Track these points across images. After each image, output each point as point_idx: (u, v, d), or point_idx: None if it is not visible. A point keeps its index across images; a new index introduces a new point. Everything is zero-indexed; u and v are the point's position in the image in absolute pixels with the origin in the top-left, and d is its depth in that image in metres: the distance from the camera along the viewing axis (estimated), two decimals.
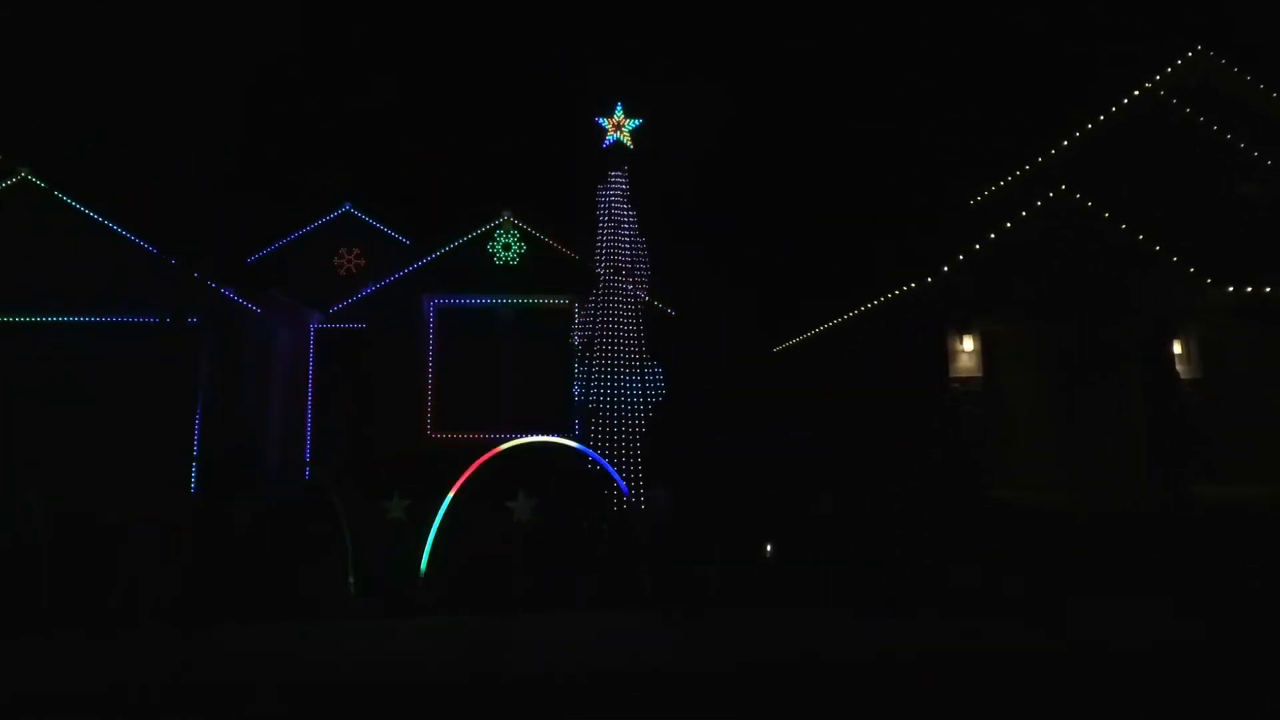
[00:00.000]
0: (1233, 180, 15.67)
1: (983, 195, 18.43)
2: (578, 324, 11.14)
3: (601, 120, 11.11)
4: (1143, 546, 9.40)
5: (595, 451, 10.34)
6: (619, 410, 10.65)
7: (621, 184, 11.20)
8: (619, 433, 10.52)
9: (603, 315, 11.02)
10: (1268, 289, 13.48)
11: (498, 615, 6.91)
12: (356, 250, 19.47)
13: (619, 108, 11.03)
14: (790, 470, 12.68)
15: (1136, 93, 16.41)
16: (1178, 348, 13.78)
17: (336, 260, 19.47)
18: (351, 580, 7.25)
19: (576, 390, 10.79)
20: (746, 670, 5.79)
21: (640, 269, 11.34)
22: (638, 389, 10.84)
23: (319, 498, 7.66)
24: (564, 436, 10.93)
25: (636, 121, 11.00)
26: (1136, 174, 15.44)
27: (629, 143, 11.05)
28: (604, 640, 6.38)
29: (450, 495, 7.86)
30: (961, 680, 5.71)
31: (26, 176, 14.34)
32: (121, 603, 7.03)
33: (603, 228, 11.33)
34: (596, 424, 10.68)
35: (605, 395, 10.64)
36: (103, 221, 14.36)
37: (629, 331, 11.09)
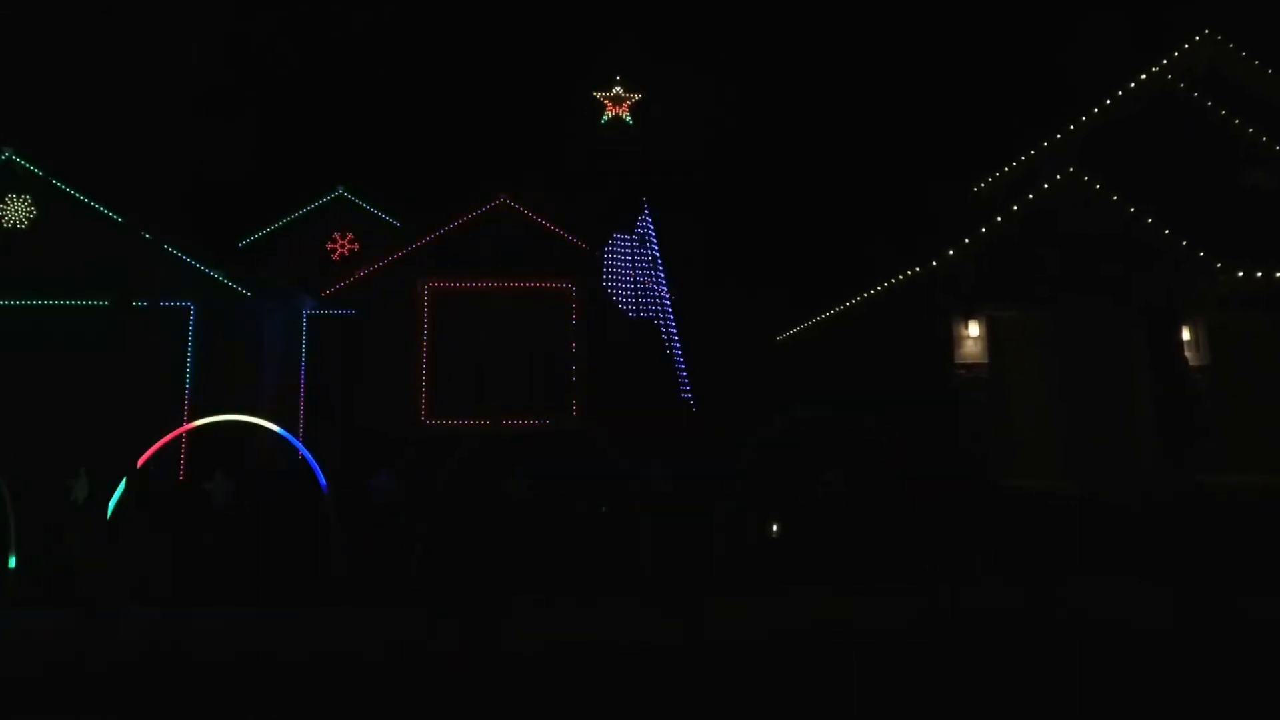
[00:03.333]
0: (1241, 167, 15.44)
1: (989, 181, 18.17)
2: (578, 304, 10.85)
3: (602, 96, 10.82)
4: (1153, 534, 9.18)
5: (597, 433, 10.05)
6: (618, 392, 10.39)
7: (622, 160, 10.91)
8: (621, 414, 10.25)
9: (602, 296, 10.75)
10: (1277, 274, 13.26)
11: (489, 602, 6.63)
12: (350, 234, 19.12)
13: (619, 83, 10.74)
14: (793, 459, 12.43)
15: (1144, 77, 16.16)
16: (1186, 334, 13.55)
17: (330, 245, 19.13)
18: (334, 566, 6.97)
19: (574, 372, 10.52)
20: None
21: (641, 249, 11.06)
22: (637, 372, 10.57)
23: (303, 484, 7.37)
24: (563, 420, 10.70)
25: (637, 96, 10.70)
26: (1144, 159, 15.15)
27: (629, 119, 10.76)
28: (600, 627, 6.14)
29: None
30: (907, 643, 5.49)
31: (11, 157, 14.02)
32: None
33: (602, 206, 11.05)
34: (597, 406, 10.41)
35: (606, 377, 10.38)
36: (89, 203, 14.05)
37: (629, 313, 10.82)
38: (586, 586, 6.85)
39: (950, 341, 13.05)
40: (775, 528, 8.10)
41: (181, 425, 13.70)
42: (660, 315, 11.29)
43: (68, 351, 13.52)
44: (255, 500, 9.62)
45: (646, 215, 11.09)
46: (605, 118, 11.00)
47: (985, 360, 13.01)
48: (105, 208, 13.99)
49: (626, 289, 11.04)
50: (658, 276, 11.67)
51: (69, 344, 13.56)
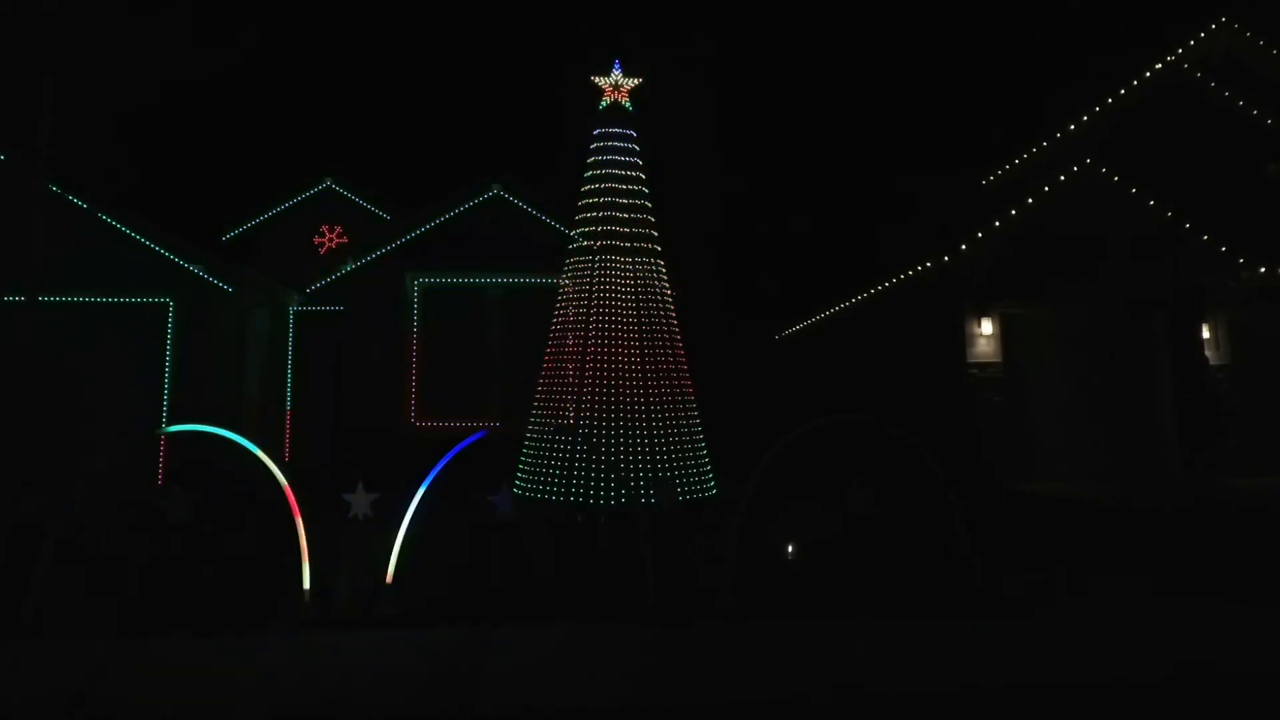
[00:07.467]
0: (1260, 158, 14.94)
1: (999, 173, 17.66)
2: (568, 299, 10.28)
3: (598, 80, 10.24)
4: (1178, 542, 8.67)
5: (591, 437, 9.52)
6: (613, 393, 9.83)
7: (618, 149, 10.34)
8: (615, 417, 9.70)
9: (598, 291, 10.19)
10: None
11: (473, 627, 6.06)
12: (339, 228, 18.53)
13: (616, 66, 10.16)
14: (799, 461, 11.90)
15: (1159, 66, 15.63)
16: (1206, 333, 13.05)
17: (317, 239, 18.53)
18: (306, 587, 6.38)
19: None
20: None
21: (637, 242, 10.51)
22: (636, 371, 10.02)
23: (277, 490, 6.78)
24: (560, 421, 10.14)
25: (636, 80, 10.13)
26: (1161, 151, 14.65)
27: (627, 104, 10.18)
28: (591, 660, 5.59)
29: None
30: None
31: None
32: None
33: (599, 198, 10.48)
34: (590, 408, 9.86)
35: (599, 377, 9.82)
36: (61, 194, 13.40)
37: (626, 309, 10.26)
38: (582, 613, 6.27)
39: (962, 340, 12.54)
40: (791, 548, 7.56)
41: (160, 429, 13.16)
42: (661, 310, 10.73)
43: (26, 350, 12.86)
44: (222, 518, 9.02)
45: (647, 203, 10.53)
46: (603, 103, 10.42)
47: (999, 360, 12.50)
48: (76, 197, 13.34)
49: (624, 280, 10.48)
50: (657, 269, 11.11)
51: (29, 342, 12.86)
